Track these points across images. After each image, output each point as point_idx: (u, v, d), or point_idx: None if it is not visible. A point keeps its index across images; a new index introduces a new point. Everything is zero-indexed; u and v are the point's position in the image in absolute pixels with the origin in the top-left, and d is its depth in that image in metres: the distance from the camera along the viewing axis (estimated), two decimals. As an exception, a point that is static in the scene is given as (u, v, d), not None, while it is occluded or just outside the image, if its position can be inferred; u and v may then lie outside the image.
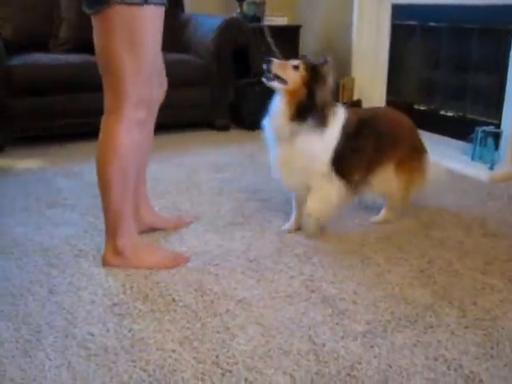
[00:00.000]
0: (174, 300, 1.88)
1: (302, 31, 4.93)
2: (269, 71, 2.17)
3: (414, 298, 1.90)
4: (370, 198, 2.57)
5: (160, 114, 4.07)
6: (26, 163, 3.41)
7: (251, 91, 4.30)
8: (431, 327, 1.73)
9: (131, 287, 1.96)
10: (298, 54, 4.70)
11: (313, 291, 1.95)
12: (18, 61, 3.66)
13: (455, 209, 2.73)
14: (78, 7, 4.14)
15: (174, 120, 4.14)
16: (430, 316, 1.79)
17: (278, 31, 4.61)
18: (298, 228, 2.44)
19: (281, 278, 2.04)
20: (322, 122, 2.20)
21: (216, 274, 2.06)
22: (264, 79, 2.18)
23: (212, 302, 1.88)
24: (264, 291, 1.95)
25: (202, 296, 1.91)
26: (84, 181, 3.08)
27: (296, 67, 2.18)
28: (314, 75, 2.16)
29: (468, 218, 2.61)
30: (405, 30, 4.22)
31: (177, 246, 2.30)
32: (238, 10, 4.81)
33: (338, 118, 2.26)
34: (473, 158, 3.39)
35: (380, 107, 2.67)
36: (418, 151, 2.53)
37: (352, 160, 2.31)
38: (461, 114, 3.91)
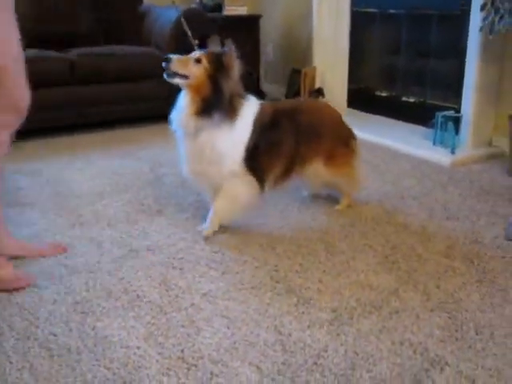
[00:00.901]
0: (138, 296, 1.86)
1: (262, 21, 4.90)
2: (168, 69, 2.06)
3: (378, 284, 1.91)
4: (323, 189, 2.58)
5: (121, 108, 4.04)
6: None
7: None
8: (396, 312, 1.74)
9: (94, 285, 1.93)
10: (258, 44, 4.68)
11: (278, 281, 1.94)
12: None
13: (418, 194, 2.76)
14: (35, 1, 4.09)
15: (134, 113, 4.10)
16: (395, 301, 1.81)
17: (237, 21, 4.58)
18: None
19: (245, 269, 2.03)
20: (229, 115, 2.10)
21: (180, 268, 2.04)
22: (165, 76, 2.07)
23: (177, 296, 1.85)
24: (229, 283, 1.93)
25: (166, 291, 1.89)
26: (43, 178, 3.01)
27: (198, 60, 2.07)
28: (217, 67, 2.07)
29: (430, 203, 2.64)
30: (364, 17, 4.24)
31: (140, 240, 2.26)
32: (198, 0, 4.76)
33: (250, 110, 2.18)
34: (434, 143, 3.43)
35: (302, 99, 2.60)
36: (347, 139, 2.48)
37: (269, 154, 2.23)
38: (421, 99, 3.95)
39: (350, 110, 4.44)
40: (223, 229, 2.33)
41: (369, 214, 2.51)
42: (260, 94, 4.58)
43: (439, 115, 3.40)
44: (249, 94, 2.23)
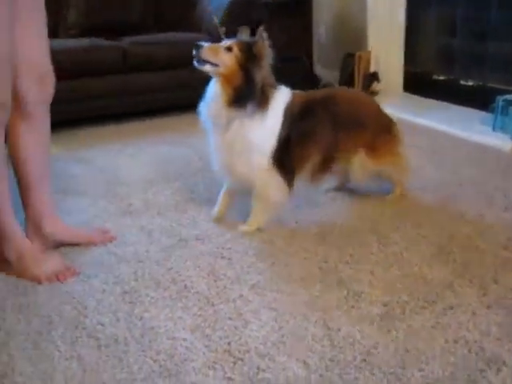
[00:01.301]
0: (186, 286, 1.85)
1: (314, 2, 4.80)
2: (198, 56, 2.00)
3: (432, 277, 1.84)
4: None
5: (171, 96, 4.05)
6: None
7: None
8: (451, 308, 1.67)
9: (143, 274, 1.93)
10: (310, 27, 4.58)
11: (327, 273, 1.89)
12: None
13: (476, 181, 2.64)
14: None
15: (184, 101, 4.08)
16: (450, 296, 1.73)
17: (288, 4, 4.49)
18: (224, 212, 2.32)
19: (295, 260, 1.99)
20: (261, 105, 2.04)
21: (229, 258, 2.02)
22: (195, 63, 2.01)
23: (225, 287, 1.83)
24: (278, 275, 1.90)
25: (214, 281, 1.87)
26: (97, 166, 3.05)
27: (229, 49, 2.00)
28: (249, 56, 2.00)
29: (489, 191, 2.52)
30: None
31: (190, 229, 2.25)
32: (249, -15, 4.69)
33: (280, 100, 2.10)
34: (494, 129, 3.28)
35: (337, 88, 2.50)
36: (388, 127, 2.38)
37: (301, 145, 2.15)
38: (481, 82, 3.78)
39: (406, 94, 4.31)
40: (273, 218, 2.30)
41: (423, 203, 2.42)
42: (313, 79, 4.51)
43: (500, 99, 3.24)
44: (280, 84, 2.16)
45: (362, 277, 1.86)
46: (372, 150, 2.31)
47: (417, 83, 4.25)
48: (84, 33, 4.04)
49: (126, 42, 3.85)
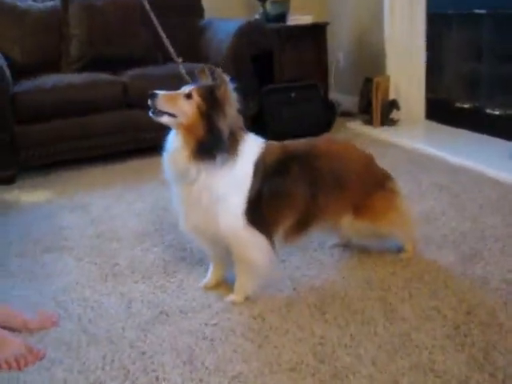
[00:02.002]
0: (157, 379, 1.60)
1: (331, 28, 4.55)
2: (154, 108, 1.78)
3: (445, 369, 1.55)
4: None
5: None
6: (35, 195, 3.22)
7: (276, 99, 3.99)
8: (465, 416, 1.39)
9: (112, 361, 1.69)
10: (325, 53, 4.33)
11: (322, 361, 1.62)
12: (22, 87, 3.48)
13: (502, 234, 2.34)
14: (88, 23, 3.97)
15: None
16: (465, 398, 1.45)
17: (302, 31, 4.26)
18: (218, 283, 2.08)
19: (286, 341, 1.73)
20: (229, 154, 1.80)
21: (212, 339, 1.77)
22: (150, 115, 1.79)
23: (201, 380, 1.58)
24: (264, 362, 1.64)
25: (190, 372, 1.62)
26: (90, 216, 2.85)
27: (188, 96, 1.77)
28: (211, 102, 1.76)
29: (517, 247, 2.22)
30: (442, 20, 3.79)
31: (174, 298, 2.01)
32: (261, 11, 4.48)
33: (251, 149, 1.86)
34: (525, 164, 2.97)
35: (320, 138, 2.17)
36: (382, 182, 2.11)
37: (274, 206, 1.90)
38: (509, 111, 3.46)
39: (429, 122, 4.02)
40: (268, 284, 2.04)
41: (441, 263, 2.13)
42: (329, 107, 4.24)
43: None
44: (250, 132, 1.92)
45: (361, 368, 1.58)
46: (361, 211, 2.03)
47: (439, 111, 3.95)
48: (87, 66, 3.88)
49: (127, 75, 3.67)
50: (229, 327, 1.82)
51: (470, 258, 2.15)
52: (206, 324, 1.85)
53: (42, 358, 1.73)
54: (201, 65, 3.90)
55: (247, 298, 1.96)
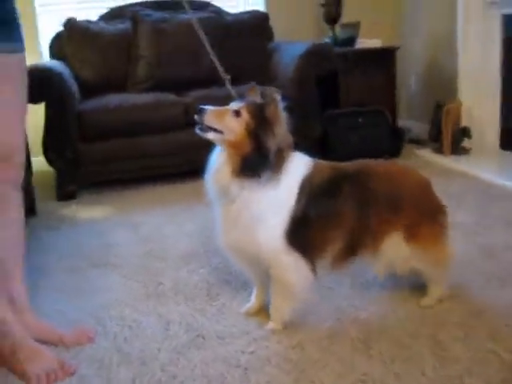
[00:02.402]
0: (183, 406, 1.52)
1: (402, 52, 4.42)
2: (201, 123, 1.73)
3: (499, 421, 1.39)
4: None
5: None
6: (91, 212, 3.26)
7: (343, 123, 3.89)
8: None
9: (141, 382, 1.63)
10: (394, 78, 4.19)
11: (361, 401, 1.50)
12: (88, 105, 3.56)
13: None
14: (157, 45, 4.04)
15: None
16: None
17: (370, 55, 4.15)
18: (261, 308, 1.98)
19: (325, 376, 1.60)
20: (273, 173, 1.73)
21: (246, 368, 1.67)
22: (197, 130, 1.75)
23: (229, 412, 1.49)
24: (298, 397, 1.53)
25: (218, 402, 1.53)
26: (140, 234, 2.83)
27: (237, 113, 1.72)
28: (260, 121, 1.70)
29: None
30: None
31: (213, 323, 1.94)
32: (331, 34, 4.41)
33: (297, 169, 1.77)
34: None
35: (374, 160, 2.02)
36: (435, 214, 1.92)
37: (322, 228, 1.79)
38: None
39: (503, 152, 3.78)
40: (311, 312, 1.93)
41: (503, 301, 1.94)
42: (396, 133, 4.09)
43: None
44: (298, 152, 1.84)
45: (403, 413, 1.44)
46: (411, 233, 1.87)
47: (515, 140, 3.72)
48: (152, 87, 3.93)
49: (191, 96, 3.68)
50: (265, 356, 1.72)
51: (537, 297, 1.96)
52: (242, 352, 1.75)
53: (72, 374, 1.70)
54: (267, 87, 3.88)
55: (287, 327, 1.86)
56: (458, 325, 1.82)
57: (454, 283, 2.07)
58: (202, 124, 1.73)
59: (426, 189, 1.94)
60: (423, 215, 1.88)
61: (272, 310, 1.88)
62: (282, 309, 1.85)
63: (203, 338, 1.85)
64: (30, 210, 3.22)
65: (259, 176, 1.71)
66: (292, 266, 1.78)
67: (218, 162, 1.77)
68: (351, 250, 1.86)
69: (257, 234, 1.75)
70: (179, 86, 3.89)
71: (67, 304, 2.14)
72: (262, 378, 1.62)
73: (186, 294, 2.16)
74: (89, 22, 4.15)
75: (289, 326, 1.87)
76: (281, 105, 1.73)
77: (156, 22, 4.05)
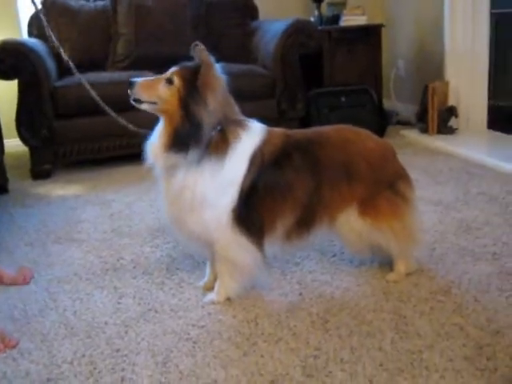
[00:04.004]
0: (122, 379, 1.43)
1: (391, 33, 4.31)
2: (132, 95, 1.65)
3: (458, 398, 1.29)
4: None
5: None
6: (65, 190, 3.15)
7: (324, 103, 3.77)
8: None
9: (82, 356, 1.54)
10: (380, 57, 4.07)
11: (311, 375, 1.40)
12: (64, 82, 3.46)
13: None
14: (136, 22, 3.92)
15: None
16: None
17: (355, 32, 4.02)
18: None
19: (276, 350, 1.51)
20: (216, 150, 1.61)
21: (194, 342, 1.58)
22: (132, 102, 1.67)
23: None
24: (244, 371, 1.43)
25: (161, 375, 1.44)
26: (109, 211, 2.73)
27: (170, 80, 1.61)
28: (190, 87, 1.58)
29: None
30: (508, 20, 3.47)
31: (169, 296, 1.84)
32: (316, 13, 4.29)
33: (249, 141, 1.66)
34: None
35: (332, 126, 1.90)
36: (394, 182, 1.78)
37: (272, 200, 1.68)
38: None
39: (491, 132, 3.67)
40: (273, 288, 1.84)
41: (475, 276, 1.84)
42: (381, 114, 3.97)
43: None
44: (251, 119, 1.72)
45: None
46: (367, 208, 1.75)
47: (503, 120, 3.60)
48: (132, 65, 3.82)
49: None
50: (217, 330, 1.63)
51: (511, 271, 1.86)
52: (193, 325, 1.66)
53: (13, 347, 1.61)
54: (244, 66, 3.73)
55: (243, 302, 1.76)
56: (424, 300, 1.72)
57: (426, 258, 1.98)
58: (134, 96, 1.65)
59: (384, 155, 1.81)
60: (380, 185, 1.76)
61: (217, 284, 1.79)
62: (228, 284, 1.76)
63: (155, 311, 1.76)
64: (2, 188, 3.14)
65: (186, 151, 1.60)
66: (237, 246, 1.69)
67: (156, 132, 1.68)
68: (304, 224, 1.75)
69: (202, 215, 1.66)
70: (159, 64, 3.75)
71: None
72: (209, 351, 1.53)
73: (145, 269, 2.07)
74: (69, -1, 4.03)
75: (247, 301, 1.77)
76: (216, 69, 1.62)
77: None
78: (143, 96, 1.64)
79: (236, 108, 1.70)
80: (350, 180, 1.74)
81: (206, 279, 1.90)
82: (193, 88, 1.58)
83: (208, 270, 1.90)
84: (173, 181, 1.66)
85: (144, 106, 1.66)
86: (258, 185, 1.66)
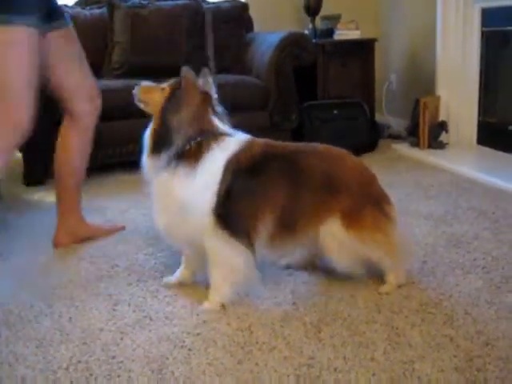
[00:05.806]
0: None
1: (383, 47, 4.37)
2: (135, 95, 1.89)
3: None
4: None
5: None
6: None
7: (317, 115, 3.82)
8: None
9: (78, 362, 1.55)
10: (372, 71, 4.13)
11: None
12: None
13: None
14: (133, 30, 3.95)
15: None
16: None
17: (349, 46, 4.08)
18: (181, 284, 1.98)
19: (270, 358, 1.53)
20: (189, 158, 1.73)
21: (190, 349, 1.60)
22: (135, 101, 1.90)
23: (165, 392, 1.41)
24: (238, 379, 1.45)
25: (156, 382, 1.46)
26: (103, 218, 2.75)
27: (163, 89, 1.82)
28: (171, 97, 1.77)
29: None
30: (498, 37, 3.54)
31: (164, 304, 1.86)
32: (310, 26, 4.35)
33: (221, 152, 1.75)
34: None
35: (315, 144, 1.93)
36: (378, 201, 1.83)
37: (248, 201, 1.75)
38: None
39: (481, 147, 3.73)
40: (267, 297, 1.86)
41: (465, 289, 1.87)
42: (373, 127, 4.02)
43: None
44: (235, 131, 1.83)
45: (348, 396, 1.37)
46: (351, 218, 1.78)
47: (493, 136, 3.66)
48: (127, 73, 3.84)
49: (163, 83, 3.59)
50: (211, 338, 1.65)
51: (500, 285, 1.89)
52: (188, 332, 1.68)
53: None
54: (238, 77, 3.78)
55: (235, 310, 1.79)
56: (415, 311, 1.75)
57: (417, 270, 2.02)
58: (135, 96, 1.89)
59: (368, 174, 1.88)
60: (364, 199, 1.80)
61: (211, 291, 1.83)
62: (221, 289, 1.80)
63: (150, 318, 1.78)
64: (-6, 194, 3.15)
65: (159, 155, 1.74)
66: (226, 246, 1.75)
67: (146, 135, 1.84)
68: (287, 229, 1.80)
69: (185, 219, 1.75)
70: (153, 73, 3.79)
71: (18, 285, 2.05)
72: (204, 359, 1.55)
73: (139, 276, 2.08)
74: (65, 6, 4.05)
75: (241, 310, 1.80)
76: (197, 87, 1.76)
77: (132, 8, 3.96)
78: (140, 97, 1.88)
79: (215, 122, 1.79)
80: (333, 191, 1.78)
81: (172, 277, 2.00)
82: (173, 98, 1.75)
83: (180, 270, 1.99)
84: (157, 185, 1.79)
85: (141, 106, 1.89)
86: (234, 189, 1.73)
